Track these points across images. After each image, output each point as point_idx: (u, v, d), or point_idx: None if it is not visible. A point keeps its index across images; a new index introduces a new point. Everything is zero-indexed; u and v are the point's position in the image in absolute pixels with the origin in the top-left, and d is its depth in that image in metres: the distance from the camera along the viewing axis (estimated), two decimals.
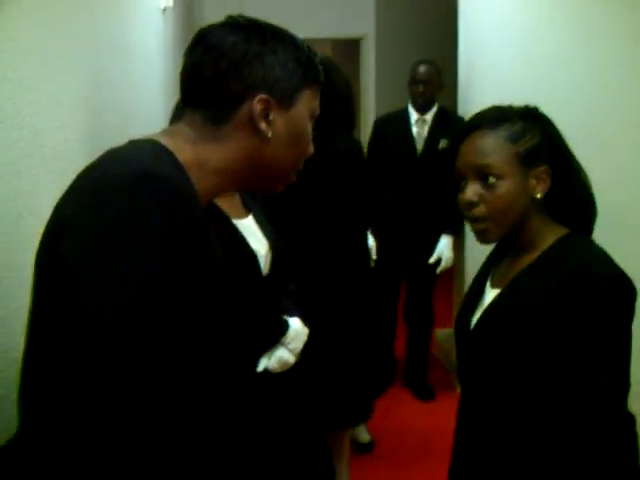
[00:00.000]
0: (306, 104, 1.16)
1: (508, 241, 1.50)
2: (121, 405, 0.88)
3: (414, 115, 4.06)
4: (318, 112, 1.19)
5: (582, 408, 1.32)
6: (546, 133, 1.45)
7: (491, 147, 1.41)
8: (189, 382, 1.01)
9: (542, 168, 1.42)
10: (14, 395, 1.06)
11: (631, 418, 1.37)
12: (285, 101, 1.12)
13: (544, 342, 1.36)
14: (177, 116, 1.19)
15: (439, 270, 3.92)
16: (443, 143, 3.87)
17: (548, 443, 1.38)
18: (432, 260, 3.86)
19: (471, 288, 1.62)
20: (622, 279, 1.35)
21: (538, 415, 1.39)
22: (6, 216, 1.23)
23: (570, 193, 1.46)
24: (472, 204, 1.41)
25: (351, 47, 6.88)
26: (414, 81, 4.04)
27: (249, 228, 1.97)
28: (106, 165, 1.00)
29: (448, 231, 3.89)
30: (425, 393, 4.10)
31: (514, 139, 1.41)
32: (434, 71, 4.03)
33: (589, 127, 2.50)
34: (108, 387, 0.88)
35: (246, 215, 2.00)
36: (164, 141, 1.08)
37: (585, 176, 1.48)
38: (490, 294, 1.51)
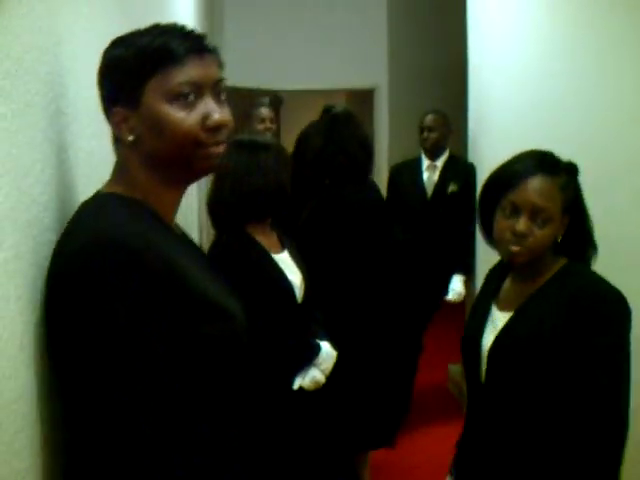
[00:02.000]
0: (154, 93, 1.14)
1: (511, 268, 1.72)
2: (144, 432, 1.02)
3: (426, 162, 4.33)
4: (180, 87, 1.14)
5: (588, 410, 1.54)
6: (576, 188, 1.69)
7: (551, 193, 1.61)
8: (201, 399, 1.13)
9: (567, 217, 1.65)
10: None
11: (625, 424, 1.57)
12: (131, 105, 1.15)
13: (559, 356, 1.57)
14: None
15: (451, 300, 4.07)
16: (452, 187, 4.15)
17: (557, 447, 1.58)
18: (449, 297, 4.03)
19: (475, 311, 1.82)
20: (623, 297, 1.60)
21: (552, 421, 1.59)
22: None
23: (579, 237, 1.70)
24: (524, 235, 1.60)
25: (365, 97, 7.10)
26: (421, 129, 4.36)
27: (285, 262, 2.22)
28: (72, 234, 1.11)
29: (460, 271, 4.09)
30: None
31: (564, 188, 1.64)
32: (440, 119, 4.33)
33: (589, 172, 2.70)
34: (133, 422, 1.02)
35: (282, 250, 2.25)
36: (120, 189, 1.18)
37: (591, 223, 1.72)
38: (501, 317, 1.71)
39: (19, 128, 1.01)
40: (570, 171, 1.70)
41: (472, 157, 4.35)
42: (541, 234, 1.60)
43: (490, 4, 3.99)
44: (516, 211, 1.61)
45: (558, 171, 1.65)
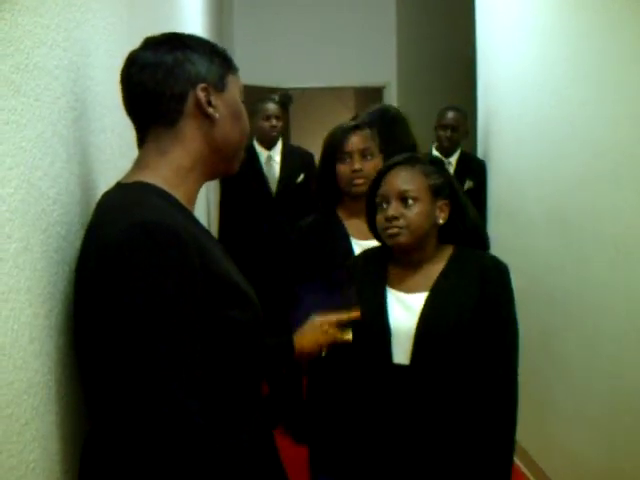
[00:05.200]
0: (235, 86, 1.31)
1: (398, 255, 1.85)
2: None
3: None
4: (241, 93, 1.35)
5: (504, 375, 1.76)
6: (447, 178, 1.86)
7: (411, 177, 1.80)
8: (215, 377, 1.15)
9: (444, 201, 1.82)
10: None
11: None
12: (219, 85, 1.27)
13: (477, 327, 1.74)
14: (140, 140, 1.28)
15: None
16: (468, 184, 4.10)
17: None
18: None
19: (362, 294, 1.84)
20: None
21: (469, 390, 1.76)
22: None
23: (461, 224, 1.85)
24: (394, 218, 1.76)
25: (374, 95, 7.09)
26: (442, 126, 4.24)
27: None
28: (109, 222, 1.11)
29: None
30: None
31: (427, 174, 1.81)
32: (461, 117, 4.26)
33: (597, 168, 2.70)
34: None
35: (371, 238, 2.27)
36: (148, 178, 1.20)
37: (475, 214, 1.90)
38: (410, 298, 1.80)
39: (29, 122, 1.02)
40: (435, 163, 1.88)
41: (482, 153, 4.36)
42: (411, 213, 1.76)
43: (498, 1, 3.99)
44: (387, 201, 1.80)
45: (416, 162, 1.83)
